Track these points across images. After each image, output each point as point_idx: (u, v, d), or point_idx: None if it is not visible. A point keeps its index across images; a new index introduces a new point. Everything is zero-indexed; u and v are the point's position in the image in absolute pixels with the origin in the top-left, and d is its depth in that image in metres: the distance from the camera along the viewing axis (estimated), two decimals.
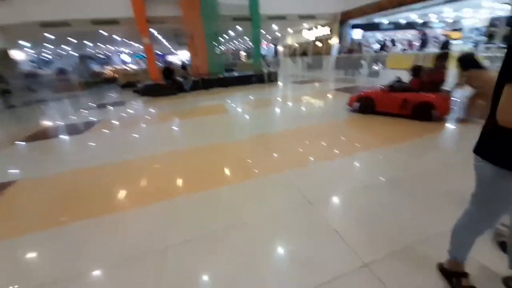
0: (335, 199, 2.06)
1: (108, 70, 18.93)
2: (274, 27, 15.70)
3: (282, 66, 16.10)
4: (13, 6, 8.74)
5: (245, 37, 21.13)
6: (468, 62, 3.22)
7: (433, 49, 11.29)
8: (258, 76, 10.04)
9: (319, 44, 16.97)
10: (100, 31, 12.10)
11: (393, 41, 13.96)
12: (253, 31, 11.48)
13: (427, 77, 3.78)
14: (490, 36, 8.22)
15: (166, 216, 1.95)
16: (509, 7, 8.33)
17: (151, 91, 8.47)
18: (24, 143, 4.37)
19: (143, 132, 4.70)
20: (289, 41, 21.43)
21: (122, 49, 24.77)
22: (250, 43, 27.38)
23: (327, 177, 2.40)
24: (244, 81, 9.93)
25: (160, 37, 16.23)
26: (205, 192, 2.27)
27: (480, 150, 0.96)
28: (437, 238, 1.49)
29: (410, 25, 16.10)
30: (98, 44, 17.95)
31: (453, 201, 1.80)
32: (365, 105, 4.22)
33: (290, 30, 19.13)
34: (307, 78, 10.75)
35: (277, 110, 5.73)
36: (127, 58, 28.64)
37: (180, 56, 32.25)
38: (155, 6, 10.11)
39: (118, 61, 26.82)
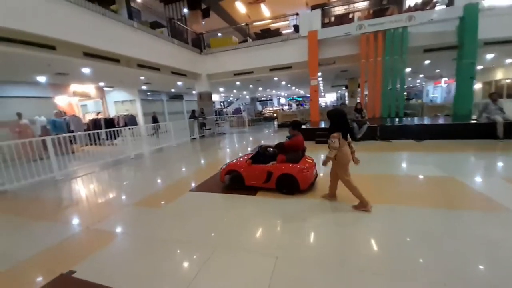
0: None
1: (267, 110, 21.61)
2: (488, 56, 10.88)
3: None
4: (217, 58, 11.36)
5: (420, 75, 17.11)
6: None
7: None
8: (479, 127, 6.35)
9: None
10: (275, 78, 13.53)
11: None
12: (461, 63, 8.10)
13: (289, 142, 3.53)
14: None
15: None
16: None
17: (316, 136, 7.41)
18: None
19: None
20: (499, 75, 14.71)
21: (280, 92, 28.26)
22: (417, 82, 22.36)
23: None
24: (451, 132, 6.53)
25: (320, 79, 16.26)
26: None
27: None
28: None
29: None
30: (267, 89, 21.01)
31: None
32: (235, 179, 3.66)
33: (507, 61, 12.97)
34: None
35: None
36: (282, 101, 32.45)
37: (326, 99, 32.50)
38: (328, 48, 9.67)
39: (275, 103, 30.72)
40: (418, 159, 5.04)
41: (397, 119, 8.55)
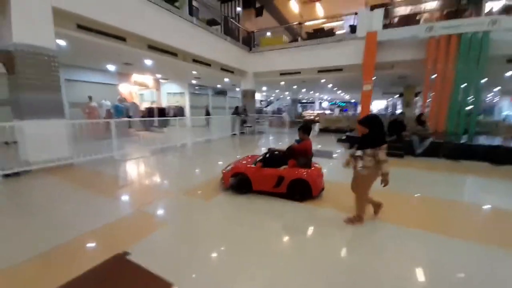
0: None
1: (308, 113, 20.96)
2: None
3: None
4: (265, 57, 11.30)
5: (495, 88, 14.60)
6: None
7: None
8: None
9: None
10: (322, 80, 12.98)
11: None
12: None
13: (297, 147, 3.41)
14: None
15: None
16: None
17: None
18: None
19: None
20: None
21: (323, 96, 27.13)
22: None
23: None
24: None
25: None
26: None
27: None
28: None
29: None
30: (310, 91, 20.36)
31: None
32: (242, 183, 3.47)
33: None
34: None
35: None
36: (325, 104, 31.15)
37: (373, 107, 30.14)
38: (387, 51, 8.84)
39: (317, 106, 29.65)
40: (498, 186, 4.21)
41: (466, 136, 7.39)
